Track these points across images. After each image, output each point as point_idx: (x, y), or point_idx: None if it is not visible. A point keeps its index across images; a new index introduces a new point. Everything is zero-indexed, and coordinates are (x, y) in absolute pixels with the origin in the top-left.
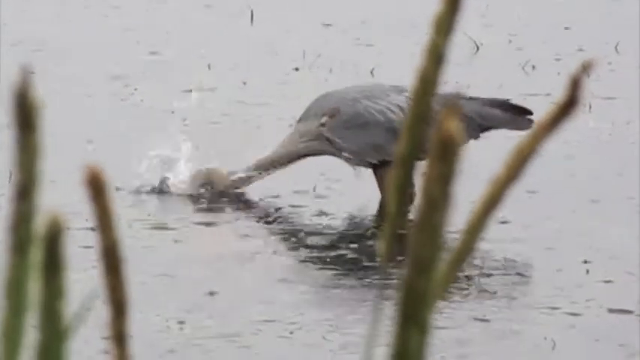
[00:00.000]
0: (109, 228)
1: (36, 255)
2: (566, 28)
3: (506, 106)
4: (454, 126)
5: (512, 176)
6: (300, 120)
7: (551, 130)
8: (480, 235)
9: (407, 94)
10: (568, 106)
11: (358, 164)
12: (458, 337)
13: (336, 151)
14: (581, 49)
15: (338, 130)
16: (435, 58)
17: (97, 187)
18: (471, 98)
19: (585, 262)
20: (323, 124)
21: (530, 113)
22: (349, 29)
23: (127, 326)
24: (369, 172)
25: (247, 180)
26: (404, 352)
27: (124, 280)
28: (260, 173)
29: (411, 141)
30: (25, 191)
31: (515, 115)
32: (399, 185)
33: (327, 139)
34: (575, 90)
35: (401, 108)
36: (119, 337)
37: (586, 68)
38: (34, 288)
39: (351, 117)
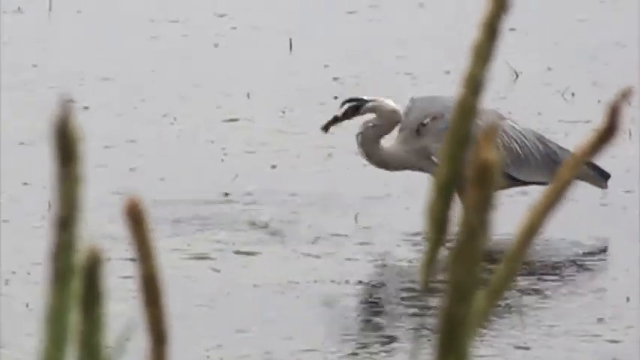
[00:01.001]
0: (149, 258)
1: (76, 286)
2: (600, 55)
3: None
4: (491, 152)
5: (552, 203)
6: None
7: (591, 156)
8: (520, 264)
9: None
10: (607, 133)
11: None
12: None
13: (425, 159)
14: (619, 76)
15: (437, 134)
16: (474, 86)
17: (136, 217)
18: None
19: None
20: (424, 124)
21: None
22: (387, 56)
23: (167, 357)
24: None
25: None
26: None
27: (164, 310)
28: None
29: (450, 168)
30: (66, 222)
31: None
32: (437, 212)
33: (422, 139)
34: (615, 117)
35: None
36: None
37: (625, 95)
38: (74, 319)
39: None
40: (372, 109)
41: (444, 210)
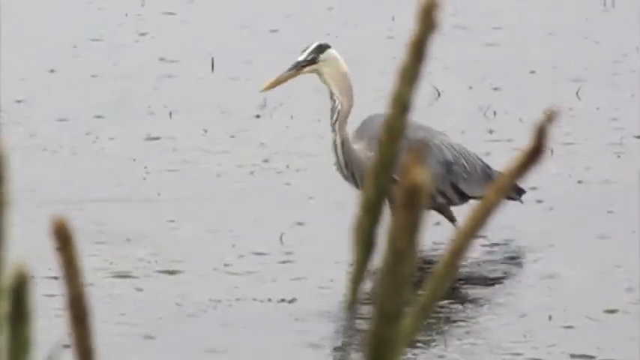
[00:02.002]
0: (76, 278)
1: (3, 306)
2: (531, 72)
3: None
4: (419, 173)
5: (479, 224)
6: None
7: (518, 177)
8: (445, 285)
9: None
10: (534, 154)
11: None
12: None
13: None
14: (542, 94)
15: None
16: (401, 106)
17: (63, 238)
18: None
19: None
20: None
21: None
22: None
23: None
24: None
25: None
26: None
27: (91, 329)
28: None
29: (377, 187)
30: None
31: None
32: (364, 232)
33: None
34: (541, 137)
35: (452, 146)
36: None
37: (550, 116)
38: (2, 338)
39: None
40: (326, 64)
41: (371, 229)
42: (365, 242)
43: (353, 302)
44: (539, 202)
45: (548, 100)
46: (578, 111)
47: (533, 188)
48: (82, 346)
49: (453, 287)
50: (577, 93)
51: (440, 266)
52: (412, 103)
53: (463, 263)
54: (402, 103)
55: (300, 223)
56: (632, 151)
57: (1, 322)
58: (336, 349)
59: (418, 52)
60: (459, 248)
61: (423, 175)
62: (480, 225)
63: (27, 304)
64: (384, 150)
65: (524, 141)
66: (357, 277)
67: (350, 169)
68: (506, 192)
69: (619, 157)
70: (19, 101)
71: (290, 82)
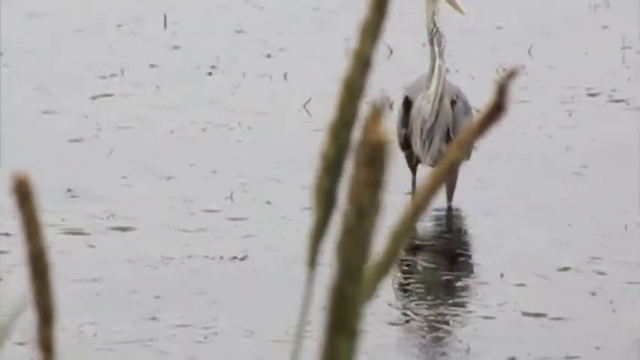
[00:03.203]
0: (37, 235)
1: None
2: (476, 32)
3: None
4: (380, 130)
5: (440, 180)
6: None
7: (479, 134)
8: (406, 239)
9: None
10: (495, 112)
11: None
12: (378, 343)
13: (442, 132)
14: (494, 51)
15: (460, 113)
16: (361, 63)
17: (24, 194)
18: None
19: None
20: (455, 101)
21: None
22: (262, 32)
23: (54, 333)
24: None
25: None
26: (333, 358)
27: (51, 286)
28: None
29: (336, 146)
30: None
31: None
32: (324, 191)
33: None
34: (502, 96)
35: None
36: (46, 343)
37: (512, 74)
38: None
39: (465, 104)
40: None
41: (331, 187)
42: (325, 201)
43: (313, 259)
44: (492, 160)
45: (501, 58)
46: (531, 69)
47: (486, 147)
48: (42, 302)
49: (407, 247)
50: (529, 51)
51: (399, 223)
52: (373, 59)
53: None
54: (362, 60)
55: (251, 181)
56: (584, 110)
57: None
58: (293, 306)
59: (379, 8)
60: (420, 205)
61: (383, 131)
62: (440, 182)
63: None
64: (345, 108)
65: (476, 99)
66: (317, 235)
67: (440, 105)
68: (467, 149)
69: (570, 115)
70: None
71: (242, 39)
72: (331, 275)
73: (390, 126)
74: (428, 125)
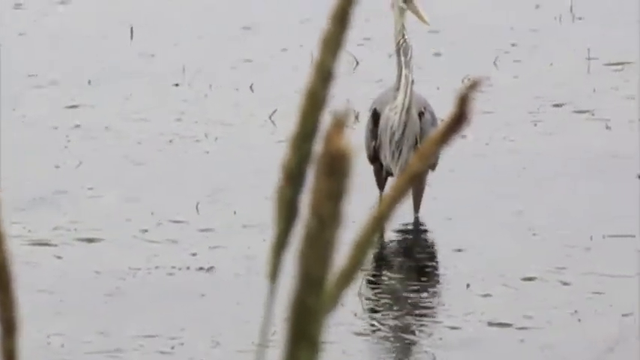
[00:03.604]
0: (0, 246)
1: None
2: (450, 42)
3: None
4: (342, 141)
5: (403, 191)
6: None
7: (442, 145)
8: (368, 250)
9: None
10: (457, 122)
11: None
12: (343, 349)
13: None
14: (460, 62)
15: (427, 124)
16: (323, 75)
17: None
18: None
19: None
20: (422, 113)
21: None
22: (229, 43)
23: (17, 344)
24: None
25: None
26: None
27: (15, 298)
28: None
29: (298, 156)
30: None
31: None
32: (286, 201)
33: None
34: (464, 106)
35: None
36: (10, 355)
37: (473, 85)
38: None
39: (432, 115)
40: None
41: (293, 198)
42: (287, 211)
43: (274, 271)
44: (458, 170)
45: (466, 69)
46: (496, 80)
47: (450, 157)
48: (5, 314)
49: (374, 258)
50: (495, 62)
51: (362, 234)
52: (335, 71)
53: (384, 234)
54: (324, 72)
55: (218, 192)
56: (549, 120)
57: None
58: (256, 317)
59: (341, 20)
60: (383, 215)
61: (345, 142)
62: (403, 192)
63: None
64: (307, 119)
65: (441, 109)
66: (279, 246)
67: (408, 116)
68: (429, 160)
69: (535, 125)
70: None
71: (208, 50)
72: (292, 286)
73: (358, 138)
74: (396, 136)
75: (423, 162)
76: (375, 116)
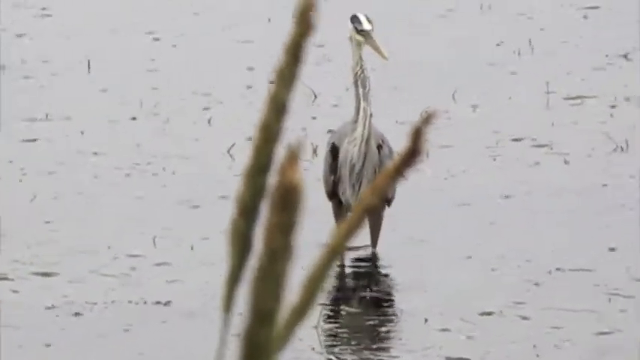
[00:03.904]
0: None
1: None
2: (396, 88)
3: None
4: (295, 174)
5: (356, 225)
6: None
7: (395, 179)
8: (321, 288)
9: None
10: (411, 156)
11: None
12: None
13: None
14: (419, 95)
15: (386, 157)
16: (277, 108)
17: None
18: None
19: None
20: (380, 146)
21: None
22: (187, 77)
23: None
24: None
25: None
26: None
27: None
28: None
29: (252, 190)
30: None
31: None
32: (240, 235)
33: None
34: (418, 140)
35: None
36: None
37: (427, 119)
38: None
39: (390, 149)
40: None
41: (246, 231)
42: (240, 245)
43: (229, 305)
44: (416, 205)
45: (425, 102)
46: (455, 114)
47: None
48: None
49: (332, 292)
50: (453, 96)
51: (315, 269)
52: (289, 104)
53: (338, 268)
54: (278, 105)
55: (175, 226)
56: (508, 154)
57: None
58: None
59: (295, 54)
60: (335, 250)
61: (298, 175)
62: (355, 227)
63: None
64: (260, 152)
65: (400, 143)
66: (233, 280)
67: (367, 147)
68: (382, 194)
69: (494, 159)
70: None
71: (166, 84)
72: (243, 319)
73: (317, 172)
74: (357, 168)
75: (376, 195)
76: (334, 150)
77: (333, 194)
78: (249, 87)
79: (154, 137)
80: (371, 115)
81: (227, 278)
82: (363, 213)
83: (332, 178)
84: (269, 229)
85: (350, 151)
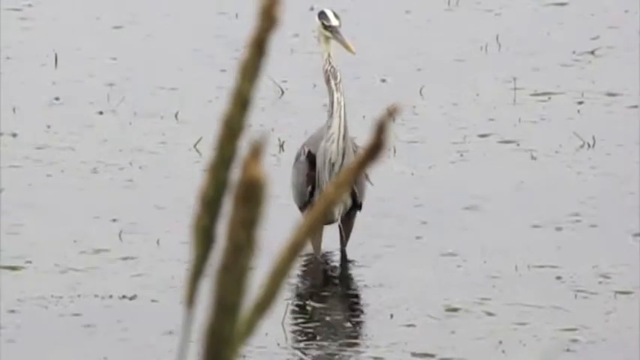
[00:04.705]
0: None
1: None
2: (380, 77)
3: None
4: (258, 169)
5: (318, 219)
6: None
7: (358, 173)
8: (284, 279)
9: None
10: (374, 150)
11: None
12: None
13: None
14: (385, 91)
15: None
16: (241, 102)
17: None
18: None
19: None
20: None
21: None
22: (153, 71)
23: None
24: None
25: None
26: None
27: None
28: None
29: (215, 184)
30: None
31: None
32: (203, 229)
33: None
34: (381, 134)
35: None
36: None
37: (391, 113)
38: None
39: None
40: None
41: (209, 225)
42: (204, 239)
43: (192, 298)
44: (383, 201)
45: (392, 98)
46: (422, 110)
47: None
48: None
49: (298, 287)
50: (420, 91)
51: (277, 263)
52: (252, 99)
53: (304, 261)
54: (242, 100)
55: (141, 220)
56: (475, 150)
57: None
58: (175, 345)
59: (259, 49)
60: (297, 244)
61: (262, 170)
62: (319, 220)
63: None
64: (224, 147)
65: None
66: (196, 274)
67: (345, 143)
68: (346, 188)
69: (461, 155)
70: None
71: (133, 78)
72: (207, 312)
73: (283, 168)
74: (337, 167)
75: (339, 190)
76: (310, 157)
77: (306, 205)
78: (217, 83)
79: (121, 131)
80: (345, 106)
81: (190, 272)
82: (325, 207)
83: (309, 189)
84: (232, 223)
85: (328, 149)
